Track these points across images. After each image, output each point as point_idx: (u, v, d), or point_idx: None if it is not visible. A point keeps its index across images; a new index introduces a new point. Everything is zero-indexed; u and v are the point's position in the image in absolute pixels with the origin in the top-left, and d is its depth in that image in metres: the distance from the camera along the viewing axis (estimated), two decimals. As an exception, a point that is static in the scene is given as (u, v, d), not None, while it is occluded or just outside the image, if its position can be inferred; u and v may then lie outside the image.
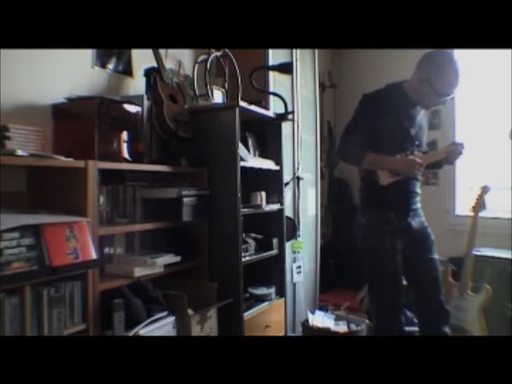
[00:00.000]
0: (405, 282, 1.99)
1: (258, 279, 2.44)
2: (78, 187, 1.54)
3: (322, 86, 3.61)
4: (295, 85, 2.89)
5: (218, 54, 2.42)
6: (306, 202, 3.03)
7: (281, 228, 2.52)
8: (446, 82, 1.82)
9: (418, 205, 2.01)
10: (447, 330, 1.92)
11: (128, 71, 2.19)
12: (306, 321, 2.66)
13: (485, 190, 2.44)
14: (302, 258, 2.89)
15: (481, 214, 2.45)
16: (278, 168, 2.48)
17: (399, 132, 1.92)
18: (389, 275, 1.91)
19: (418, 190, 2.02)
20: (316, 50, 3.22)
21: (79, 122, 1.75)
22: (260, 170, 2.32)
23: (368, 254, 1.95)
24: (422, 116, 1.99)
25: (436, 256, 2.00)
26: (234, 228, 2.07)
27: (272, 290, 2.42)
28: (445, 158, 1.99)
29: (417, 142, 1.95)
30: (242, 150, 2.14)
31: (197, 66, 2.32)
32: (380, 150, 1.89)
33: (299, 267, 2.86)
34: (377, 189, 1.93)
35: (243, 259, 2.12)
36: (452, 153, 1.97)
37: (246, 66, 2.41)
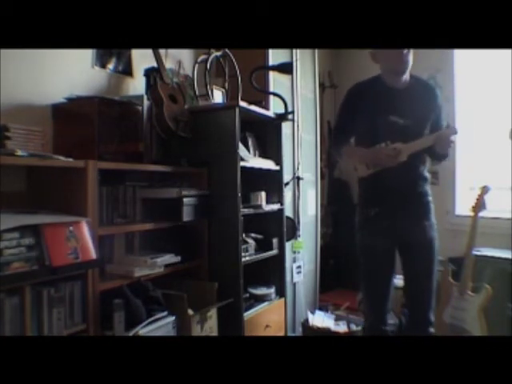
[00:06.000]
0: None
1: (258, 279, 2.44)
2: (77, 187, 1.54)
3: (322, 86, 3.61)
4: (295, 85, 2.89)
5: (218, 54, 2.42)
6: (306, 202, 3.03)
7: (281, 228, 2.52)
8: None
9: (415, 202, 1.83)
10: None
11: (128, 71, 2.19)
12: (306, 321, 2.67)
13: (485, 190, 2.44)
14: (302, 258, 2.89)
15: (481, 214, 2.45)
16: (277, 168, 2.48)
17: (379, 123, 1.78)
18: (369, 275, 1.90)
19: (414, 185, 1.82)
20: (316, 50, 3.22)
21: (79, 122, 1.76)
22: (260, 169, 2.32)
23: (358, 252, 1.94)
24: (416, 108, 1.80)
25: (432, 263, 1.83)
26: (234, 228, 2.07)
27: (272, 290, 2.42)
28: (433, 145, 1.73)
29: (406, 134, 1.74)
30: (242, 150, 2.14)
31: (197, 65, 2.32)
32: (362, 141, 1.86)
33: (299, 267, 2.86)
34: (361, 184, 1.91)
35: (243, 259, 2.12)
36: (440, 139, 1.71)
37: (246, 66, 2.41)
